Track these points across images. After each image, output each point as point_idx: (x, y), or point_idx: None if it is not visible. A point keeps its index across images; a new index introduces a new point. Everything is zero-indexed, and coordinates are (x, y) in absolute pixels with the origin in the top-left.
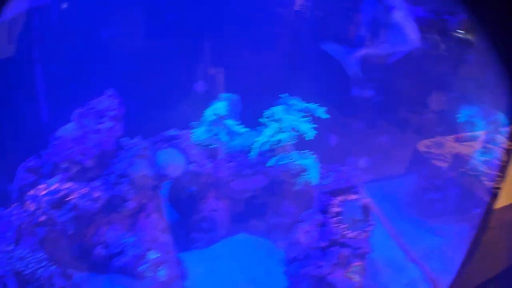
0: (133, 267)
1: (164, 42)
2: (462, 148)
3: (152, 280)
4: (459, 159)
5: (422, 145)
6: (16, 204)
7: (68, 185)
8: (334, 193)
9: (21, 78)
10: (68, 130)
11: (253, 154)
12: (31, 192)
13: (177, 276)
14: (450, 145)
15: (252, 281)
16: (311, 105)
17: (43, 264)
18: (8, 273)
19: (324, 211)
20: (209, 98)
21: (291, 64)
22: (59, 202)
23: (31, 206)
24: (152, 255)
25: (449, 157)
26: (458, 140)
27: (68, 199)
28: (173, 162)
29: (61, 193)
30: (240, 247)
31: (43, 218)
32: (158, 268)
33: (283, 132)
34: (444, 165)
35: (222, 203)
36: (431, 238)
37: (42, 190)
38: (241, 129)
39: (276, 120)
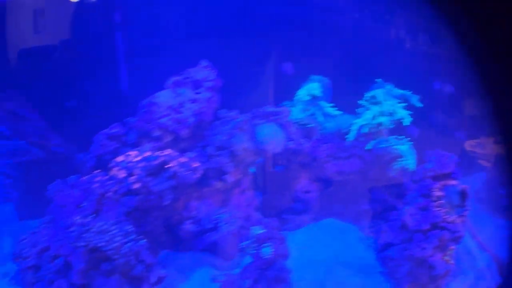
0: (226, 244)
1: (257, 24)
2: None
3: (254, 257)
4: None
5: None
6: (98, 171)
7: (167, 152)
8: (437, 177)
9: (100, 45)
10: (162, 97)
11: (351, 136)
12: (120, 158)
13: (281, 255)
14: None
15: (347, 265)
16: (406, 92)
17: (130, 238)
18: (78, 250)
19: (426, 195)
20: (297, 79)
21: (374, 52)
22: (157, 169)
23: (120, 173)
24: (257, 230)
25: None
26: None
27: (167, 166)
28: (275, 138)
29: (160, 160)
30: (329, 231)
31: (137, 185)
32: (263, 245)
33: (383, 116)
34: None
35: (314, 185)
36: (499, 231)
37: (134, 156)
38: (334, 111)
39: (376, 103)
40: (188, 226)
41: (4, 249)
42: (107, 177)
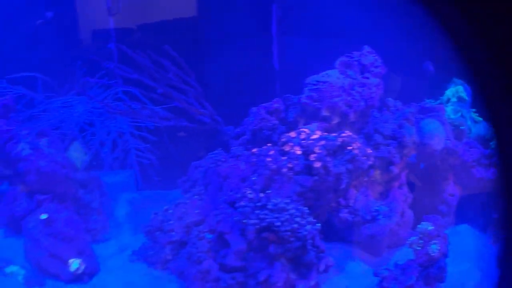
0: (381, 239)
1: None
2: None
3: (418, 254)
4: None
5: None
6: (269, 145)
7: (347, 133)
8: None
9: (256, 18)
10: (332, 77)
11: (493, 144)
12: (292, 134)
13: (443, 253)
14: None
15: (481, 270)
16: None
17: (308, 220)
18: (244, 227)
19: None
20: (438, 79)
21: None
22: (336, 150)
23: (296, 150)
24: (428, 226)
25: None
26: None
27: (349, 148)
28: (439, 134)
29: (340, 140)
30: (464, 237)
31: (318, 164)
32: (431, 242)
33: None
34: None
35: (457, 188)
36: None
37: (308, 134)
38: (477, 117)
39: None
40: (346, 215)
41: (119, 219)
42: (279, 152)
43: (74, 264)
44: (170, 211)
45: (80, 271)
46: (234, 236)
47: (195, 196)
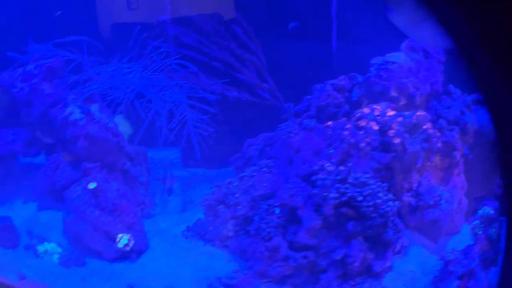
0: (442, 224)
1: None
2: None
3: (478, 238)
4: None
5: None
6: (344, 119)
7: (421, 112)
8: None
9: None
10: (400, 58)
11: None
12: (365, 110)
13: (500, 237)
14: None
15: None
16: None
17: (388, 196)
18: (314, 201)
19: None
20: None
21: None
22: (412, 128)
23: (373, 125)
24: (488, 210)
25: None
26: None
27: (424, 127)
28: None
29: (415, 118)
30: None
31: (397, 140)
32: (491, 226)
33: None
34: None
35: (501, 180)
36: None
37: (382, 111)
38: None
39: None
40: (409, 199)
41: (165, 195)
42: (355, 127)
43: (123, 239)
44: (235, 183)
45: (128, 248)
46: (307, 212)
47: (264, 169)
